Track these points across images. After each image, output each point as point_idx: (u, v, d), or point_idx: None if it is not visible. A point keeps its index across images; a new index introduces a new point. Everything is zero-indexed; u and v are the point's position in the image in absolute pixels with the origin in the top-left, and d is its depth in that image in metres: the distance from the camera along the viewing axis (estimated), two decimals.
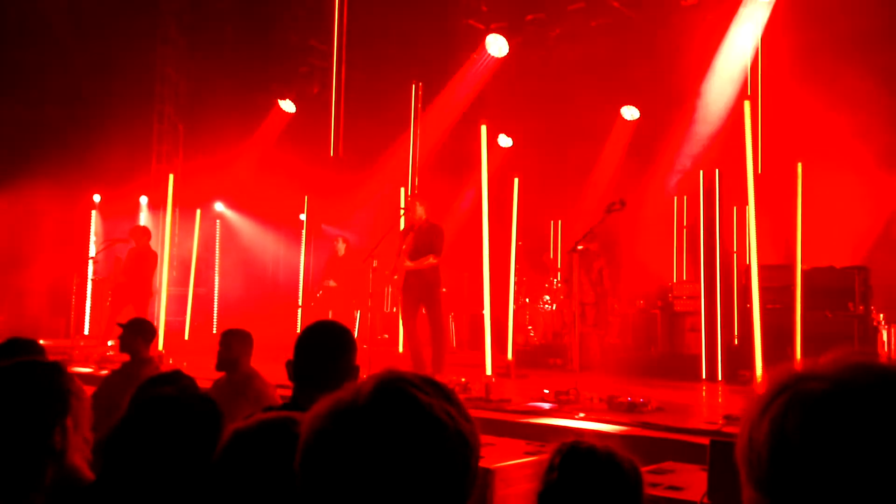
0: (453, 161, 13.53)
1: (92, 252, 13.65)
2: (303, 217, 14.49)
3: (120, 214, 14.59)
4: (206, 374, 5.21)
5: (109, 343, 10.67)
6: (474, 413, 1.19)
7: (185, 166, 15.77)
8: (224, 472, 1.61)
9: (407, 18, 12.63)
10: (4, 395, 1.92)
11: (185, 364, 8.23)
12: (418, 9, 12.68)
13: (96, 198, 14.92)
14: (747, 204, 8.84)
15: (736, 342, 10.26)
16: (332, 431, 1.11)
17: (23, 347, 3.48)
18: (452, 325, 14.15)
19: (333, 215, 15.06)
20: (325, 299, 12.66)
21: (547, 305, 12.84)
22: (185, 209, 14.86)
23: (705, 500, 3.71)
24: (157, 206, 14.83)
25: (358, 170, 14.32)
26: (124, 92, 14.71)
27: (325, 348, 2.89)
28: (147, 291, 11.34)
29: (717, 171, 9.96)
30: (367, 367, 6.70)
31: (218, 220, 16.05)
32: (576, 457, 2.06)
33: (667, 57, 11.70)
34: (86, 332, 14.31)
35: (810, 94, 10.09)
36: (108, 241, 12.42)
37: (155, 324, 6.86)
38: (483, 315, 8.65)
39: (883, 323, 9.92)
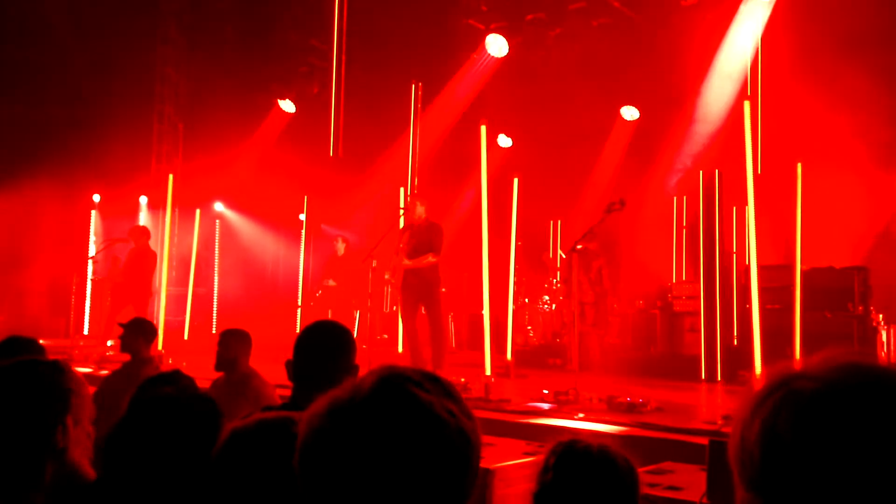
0: (453, 161, 13.53)
1: (92, 252, 13.65)
2: (302, 217, 14.49)
3: (120, 214, 14.59)
4: (205, 374, 5.21)
5: (109, 343, 10.68)
6: (474, 413, 1.18)
7: (185, 166, 15.78)
8: (222, 471, 1.62)
9: (407, 18, 12.63)
10: (5, 394, 1.92)
11: (184, 364, 8.23)
12: (418, 9, 12.68)
13: (96, 197, 14.92)
14: (747, 204, 8.84)
15: (735, 342, 10.26)
16: (330, 429, 1.10)
17: (23, 346, 3.48)
18: (452, 325, 14.15)
19: (333, 215, 15.06)
20: (325, 299, 12.66)
21: (546, 305, 12.84)
22: (184, 209, 14.86)
23: (704, 500, 3.71)
24: (156, 205, 14.83)
25: (358, 170, 14.33)
26: (124, 92, 14.71)
27: (324, 348, 2.89)
28: (147, 291, 11.34)
29: (716, 171, 9.96)
30: (367, 366, 6.68)
31: (217, 220, 16.05)
32: (571, 457, 2.06)
33: (667, 57, 11.71)
34: (85, 331, 14.32)
35: (810, 95, 10.10)
36: (107, 241, 12.43)
37: (154, 323, 6.86)
38: (482, 315, 8.65)
39: (882, 323, 9.92)
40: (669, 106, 12.49)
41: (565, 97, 12.44)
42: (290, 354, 2.89)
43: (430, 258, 8.78)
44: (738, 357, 9.64)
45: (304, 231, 14.37)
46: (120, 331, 5.79)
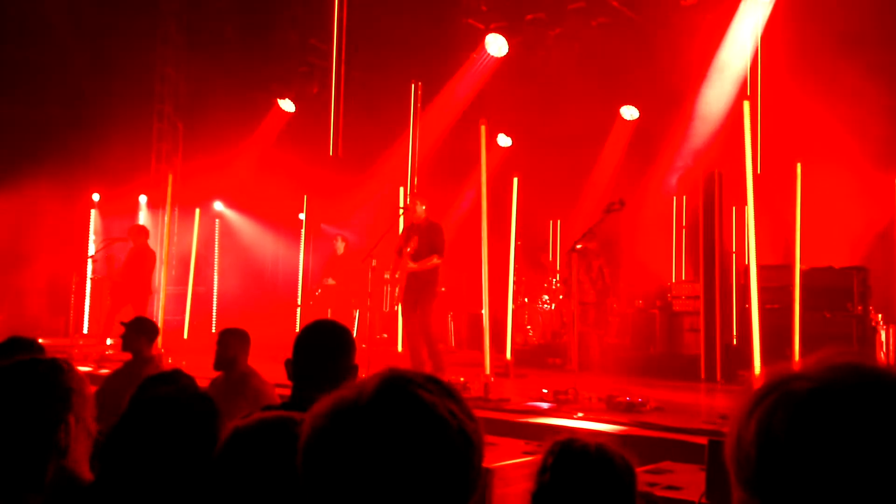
0: (452, 160, 13.53)
1: (91, 251, 13.65)
2: (302, 216, 14.49)
3: (119, 213, 14.59)
4: (204, 373, 5.21)
5: (109, 342, 10.68)
6: (474, 413, 1.19)
7: (185, 165, 15.78)
8: (224, 471, 1.62)
9: (407, 18, 12.63)
10: (5, 394, 1.92)
11: (183, 363, 8.23)
12: (418, 8, 12.68)
13: (96, 197, 14.93)
14: (746, 204, 8.84)
15: (735, 342, 10.26)
16: (334, 430, 1.10)
17: (23, 346, 3.48)
18: (451, 325, 14.15)
19: (333, 215, 15.06)
20: (324, 298, 12.66)
21: (546, 305, 12.85)
22: (184, 208, 14.86)
23: (703, 499, 3.72)
24: (156, 205, 14.84)
25: (357, 169, 14.32)
26: (124, 91, 14.70)
27: (324, 348, 2.89)
28: (146, 290, 11.35)
29: (716, 171, 9.96)
30: (366, 366, 6.70)
31: (217, 220, 16.05)
32: (568, 456, 2.06)
33: (666, 57, 11.71)
34: (85, 330, 14.32)
35: (809, 95, 10.10)
36: (107, 241, 12.43)
37: (156, 323, 6.85)
38: (482, 314, 8.64)
39: (881, 323, 9.93)
40: (669, 106, 12.49)
41: (565, 97, 12.44)
42: (289, 354, 2.89)
43: (435, 259, 8.77)
44: (738, 357, 9.64)
45: (303, 230, 14.37)
46: (120, 330, 5.80)
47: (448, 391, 1.17)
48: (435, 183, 13.49)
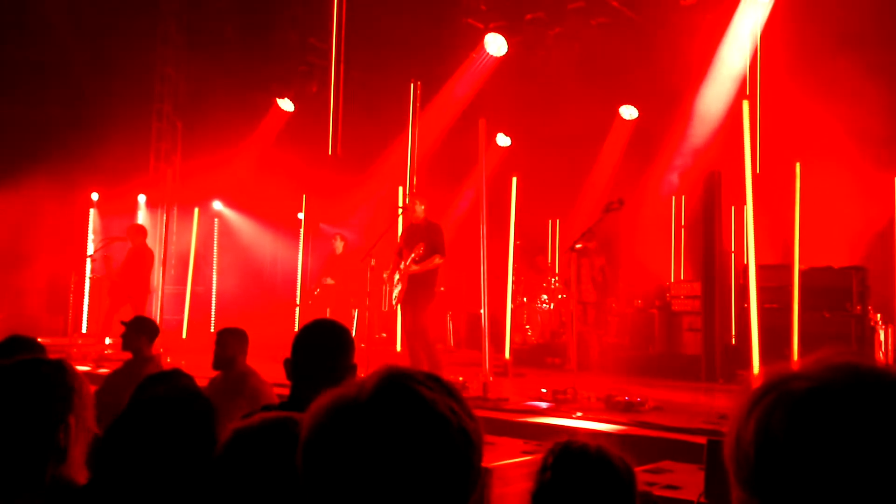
0: (452, 160, 13.54)
1: (90, 250, 13.65)
2: (301, 216, 14.48)
3: (118, 213, 14.59)
4: (203, 373, 5.21)
5: (108, 341, 10.67)
6: (473, 412, 1.19)
7: (184, 165, 15.77)
8: (224, 471, 1.62)
9: (406, 17, 12.62)
10: (6, 393, 1.92)
11: (183, 362, 8.23)
12: (417, 8, 12.67)
13: (95, 196, 14.92)
14: (745, 204, 8.84)
15: (734, 342, 10.27)
16: (334, 425, 1.10)
17: (23, 346, 3.48)
18: (450, 325, 14.16)
19: (332, 214, 15.06)
20: (323, 297, 12.65)
21: (545, 305, 12.85)
22: (183, 207, 14.86)
23: (702, 499, 3.72)
24: (155, 204, 14.83)
25: (356, 169, 14.32)
26: (123, 91, 14.69)
27: (323, 347, 2.89)
28: (144, 290, 11.35)
29: (716, 171, 9.96)
30: (365, 365, 6.70)
31: (216, 219, 16.05)
32: (568, 457, 2.07)
33: (666, 57, 11.71)
34: (84, 330, 14.32)
35: (809, 95, 10.10)
36: (106, 240, 12.42)
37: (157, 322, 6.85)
38: (481, 314, 8.65)
39: (880, 323, 9.94)
40: (668, 105, 12.50)
41: (564, 97, 12.44)
42: (288, 353, 2.89)
43: (437, 259, 8.76)
44: (737, 356, 9.65)
45: (302, 230, 14.37)
46: (120, 329, 5.80)
47: (448, 389, 1.17)
48: (434, 182, 13.48)
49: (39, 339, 4.12)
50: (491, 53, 12.86)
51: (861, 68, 9.93)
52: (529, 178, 11.41)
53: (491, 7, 12.80)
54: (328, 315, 11.27)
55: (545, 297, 12.83)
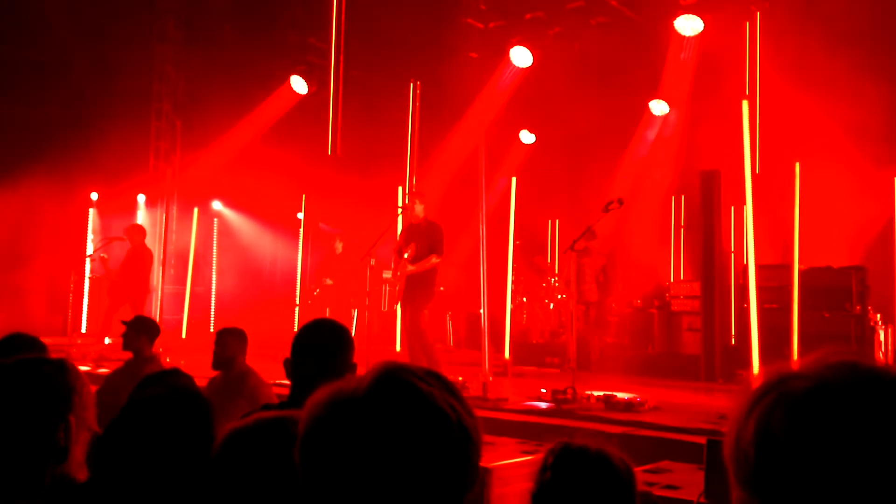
0: (451, 160, 13.54)
1: (90, 250, 13.64)
2: (300, 216, 14.47)
3: (118, 212, 14.58)
4: (203, 373, 5.21)
5: (107, 341, 10.67)
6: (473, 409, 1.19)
7: (183, 164, 15.76)
8: (221, 471, 1.61)
9: (405, 17, 12.61)
10: (7, 392, 1.91)
11: (182, 362, 8.23)
12: (417, 7, 12.66)
13: (94, 195, 14.91)
14: (745, 203, 8.85)
15: (733, 342, 10.27)
16: (332, 419, 1.10)
17: (25, 344, 3.47)
18: (450, 324, 14.15)
19: (331, 214, 15.05)
20: (322, 298, 12.66)
21: (547, 302, 12.84)
22: (182, 207, 14.85)
23: (702, 499, 3.72)
24: (154, 203, 14.83)
25: (356, 169, 14.31)
26: (122, 90, 14.68)
27: (323, 347, 2.89)
28: (144, 290, 11.36)
29: (715, 170, 9.96)
30: (365, 365, 6.69)
31: (216, 219, 16.04)
32: (569, 457, 2.07)
33: (665, 57, 11.72)
34: (83, 329, 14.30)
35: (808, 95, 10.10)
36: (105, 240, 12.42)
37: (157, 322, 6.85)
38: (480, 314, 8.64)
39: (880, 323, 9.94)
40: (668, 105, 12.50)
41: (564, 96, 12.44)
42: (287, 353, 2.89)
43: (434, 259, 8.76)
44: (736, 356, 9.65)
45: (301, 230, 14.36)
46: (120, 329, 5.79)
47: (447, 385, 1.17)
48: (433, 182, 13.49)
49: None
50: (517, 65, 12.76)
51: (860, 68, 9.93)
52: (528, 178, 11.40)
53: (491, 7, 12.80)
54: (328, 315, 11.27)
55: (546, 299, 12.81)
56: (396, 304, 9.05)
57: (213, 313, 15.47)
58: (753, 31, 10.90)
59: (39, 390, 1.92)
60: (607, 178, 13.08)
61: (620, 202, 7.44)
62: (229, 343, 5.32)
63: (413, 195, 9.84)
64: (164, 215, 13.31)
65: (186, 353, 10.01)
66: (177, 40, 15.50)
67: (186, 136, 15.56)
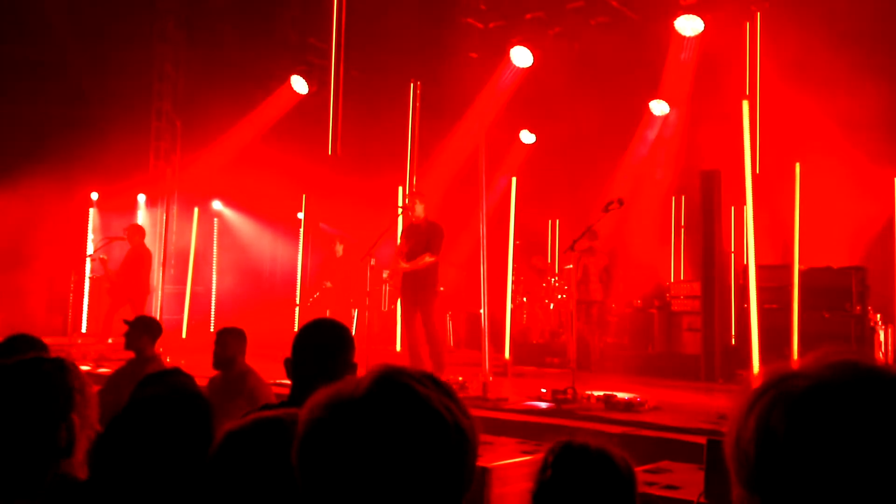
0: (451, 160, 13.54)
1: (90, 250, 13.65)
2: (301, 216, 14.47)
3: (118, 211, 14.58)
4: (203, 372, 5.21)
5: (109, 341, 10.68)
6: (472, 412, 1.19)
7: (184, 164, 15.76)
8: (218, 472, 1.62)
9: (405, 17, 12.62)
10: (9, 392, 1.91)
11: (182, 362, 8.23)
12: (417, 7, 12.66)
13: (94, 195, 14.91)
14: (745, 203, 8.85)
15: (733, 342, 10.27)
16: (330, 421, 1.11)
17: (26, 344, 3.47)
18: (450, 324, 14.15)
19: (332, 214, 15.05)
20: (322, 300, 12.68)
21: (547, 301, 12.85)
22: (183, 206, 14.86)
23: (702, 499, 3.72)
24: (154, 203, 14.83)
25: (356, 169, 14.31)
26: (122, 89, 14.69)
27: (323, 347, 2.89)
28: (144, 290, 11.37)
29: (715, 170, 9.96)
30: (365, 365, 6.69)
31: (216, 219, 16.04)
32: (569, 456, 2.07)
33: (665, 57, 11.72)
34: (83, 329, 14.30)
35: (808, 95, 10.10)
36: (105, 239, 12.42)
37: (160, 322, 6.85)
38: (480, 314, 8.65)
39: (880, 323, 9.94)
40: (669, 105, 12.49)
41: (564, 96, 12.44)
42: (287, 352, 2.89)
43: (428, 258, 8.75)
44: (736, 356, 9.65)
45: (302, 229, 14.37)
46: (122, 328, 5.80)
47: (444, 388, 1.18)
48: (433, 181, 13.49)
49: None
50: (517, 65, 12.75)
51: (861, 68, 9.93)
52: (528, 178, 11.40)
53: (491, 7, 12.79)
54: (328, 315, 11.27)
55: (546, 300, 12.81)
56: (397, 300, 9.05)
57: (213, 313, 15.47)
58: (753, 30, 10.88)
59: (39, 390, 1.92)
60: (607, 178, 13.07)
61: (620, 202, 7.45)
62: (229, 343, 5.33)
63: (413, 195, 9.85)
64: (165, 215, 13.30)
65: (186, 353, 10.01)
66: (177, 40, 15.49)
67: (186, 136, 15.55)
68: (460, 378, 7.80)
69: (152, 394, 1.96)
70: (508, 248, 10.42)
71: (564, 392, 7.06)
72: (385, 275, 11.81)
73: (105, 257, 11.27)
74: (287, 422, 1.49)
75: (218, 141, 14.95)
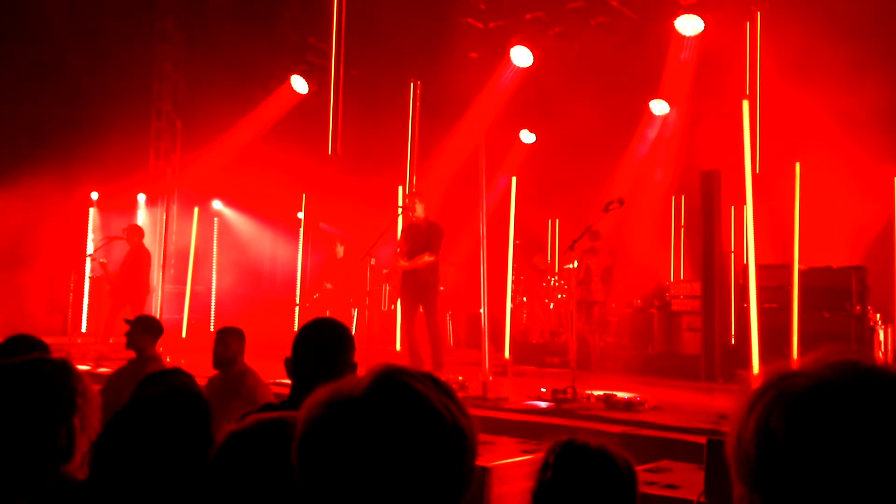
0: (451, 160, 13.54)
1: (90, 249, 13.65)
2: (301, 215, 14.48)
3: (118, 211, 14.58)
4: (203, 372, 5.21)
5: (111, 341, 10.68)
6: (472, 412, 1.19)
7: (183, 163, 15.76)
8: (219, 474, 1.62)
9: (405, 17, 12.61)
10: (10, 393, 1.91)
11: (182, 361, 8.23)
12: (417, 7, 12.66)
13: (94, 195, 14.92)
14: (745, 203, 8.85)
15: (733, 342, 10.27)
16: (329, 421, 1.11)
17: (27, 344, 3.47)
18: (450, 324, 14.15)
19: (332, 214, 15.05)
20: (322, 301, 12.68)
21: (547, 301, 12.85)
22: (183, 206, 14.86)
23: (702, 498, 3.72)
24: (154, 202, 14.84)
25: (356, 169, 14.32)
26: (122, 89, 14.69)
27: (323, 346, 2.89)
28: (144, 290, 11.37)
29: (715, 170, 9.96)
30: (365, 365, 6.69)
31: (216, 218, 16.04)
32: (570, 455, 2.07)
33: (665, 57, 11.71)
34: (83, 329, 14.30)
35: (808, 94, 10.10)
36: (105, 239, 12.43)
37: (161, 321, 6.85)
38: (480, 313, 8.64)
39: (880, 323, 9.94)
40: (669, 105, 12.49)
41: (564, 96, 12.44)
42: (287, 352, 2.89)
43: (427, 257, 8.75)
44: (736, 356, 9.65)
45: (302, 229, 14.37)
46: (123, 327, 5.80)
47: (443, 388, 1.18)
48: (432, 181, 13.49)
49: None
50: (517, 65, 12.75)
51: (861, 68, 9.93)
52: (528, 177, 11.40)
53: (491, 7, 12.79)
54: (328, 315, 11.27)
55: (546, 299, 12.81)
56: (397, 300, 9.06)
57: (213, 313, 15.48)
58: (754, 30, 10.88)
59: (39, 391, 1.92)
60: (607, 178, 13.07)
61: (620, 202, 7.45)
62: (230, 342, 5.33)
63: (413, 195, 9.85)
64: (165, 214, 13.30)
65: (186, 353, 10.01)
66: (177, 40, 15.50)
67: (186, 136, 15.56)
68: (460, 378, 7.80)
69: (152, 394, 1.96)
70: (508, 248, 10.42)
71: (564, 392, 7.06)
72: (385, 272, 11.82)
73: (105, 260, 11.28)
74: (289, 423, 1.49)
75: (218, 141, 14.95)
